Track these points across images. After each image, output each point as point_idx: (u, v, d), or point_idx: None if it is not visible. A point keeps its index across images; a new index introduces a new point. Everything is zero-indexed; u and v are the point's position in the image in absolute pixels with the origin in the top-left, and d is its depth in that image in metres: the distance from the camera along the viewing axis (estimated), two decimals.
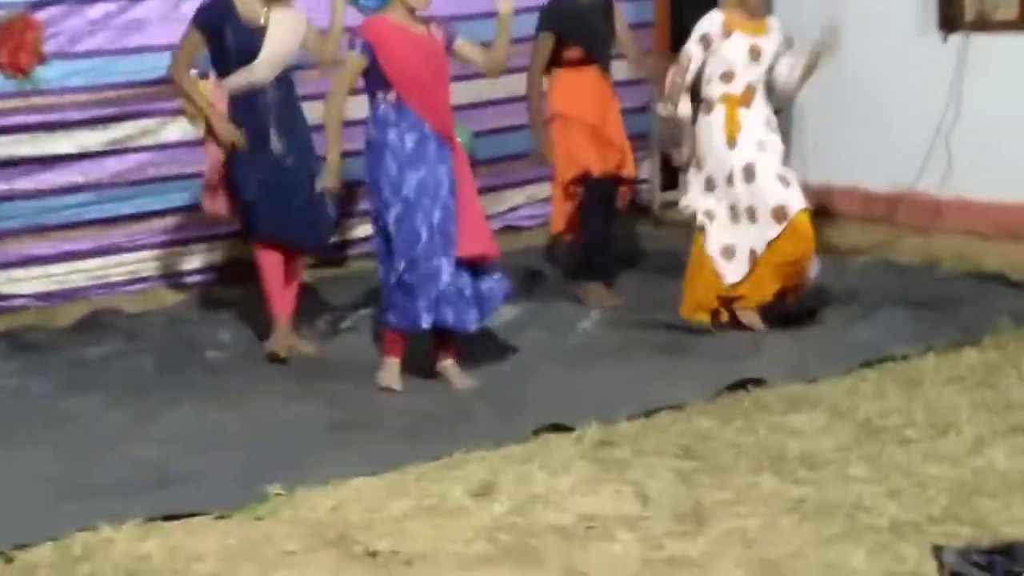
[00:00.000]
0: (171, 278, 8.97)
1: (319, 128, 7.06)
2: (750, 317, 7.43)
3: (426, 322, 6.68)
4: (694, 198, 7.48)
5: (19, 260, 8.61)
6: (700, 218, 7.42)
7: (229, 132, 7.33)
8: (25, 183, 8.58)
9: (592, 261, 8.26)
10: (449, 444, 5.96)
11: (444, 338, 6.89)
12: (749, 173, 7.30)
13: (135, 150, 8.84)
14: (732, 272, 7.37)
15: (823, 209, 9.61)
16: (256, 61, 7.34)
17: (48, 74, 8.55)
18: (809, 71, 7.55)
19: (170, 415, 6.53)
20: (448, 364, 6.90)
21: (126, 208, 8.83)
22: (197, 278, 8.98)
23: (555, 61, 8.11)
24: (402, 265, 6.65)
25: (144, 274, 8.93)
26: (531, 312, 7.98)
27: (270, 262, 7.48)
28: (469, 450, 5.90)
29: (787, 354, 6.99)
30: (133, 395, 6.86)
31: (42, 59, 8.53)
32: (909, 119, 9.48)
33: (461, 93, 9.39)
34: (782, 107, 9.54)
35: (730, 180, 7.34)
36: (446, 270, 6.66)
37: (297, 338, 7.59)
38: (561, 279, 8.54)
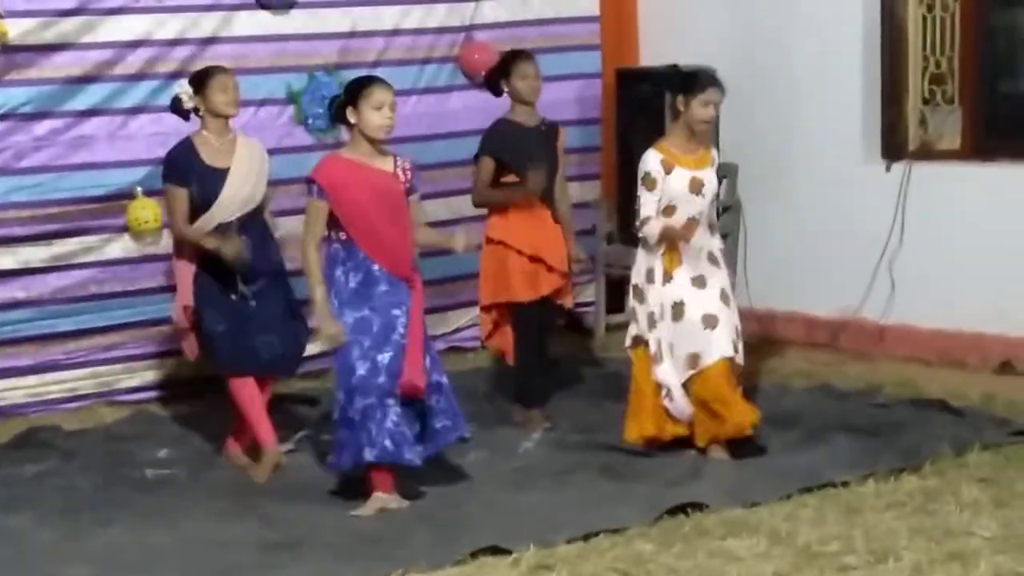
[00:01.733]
0: (110, 395, 8.89)
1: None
2: (717, 453, 7.40)
3: (369, 455, 6.61)
4: (644, 330, 7.46)
5: None
6: (652, 346, 7.39)
7: (235, 247, 7.32)
8: None
9: (526, 388, 8.24)
10: (383, 565, 5.88)
11: (383, 471, 6.78)
12: (678, 311, 7.32)
13: (78, 266, 8.81)
14: (677, 410, 7.37)
15: (766, 335, 9.66)
16: (215, 205, 7.36)
17: None
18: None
19: (103, 534, 6.46)
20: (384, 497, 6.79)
21: (66, 324, 8.78)
22: (137, 396, 8.91)
23: (495, 186, 8.06)
24: (342, 398, 6.63)
25: (83, 391, 8.85)
26: (474, 433, 7.90)
27: (247, 392, 7.43)
28: (404, 572, 5.82)
29: (727, 479, 6.97)
30: (66, 514, 6.78)
31: None
32: (853, 246, 9.55)
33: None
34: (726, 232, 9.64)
35: (661, 316, 7.36)
36: (394, 410, 6.61)
37: (251, 462, 7.52)
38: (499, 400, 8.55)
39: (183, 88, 7.54)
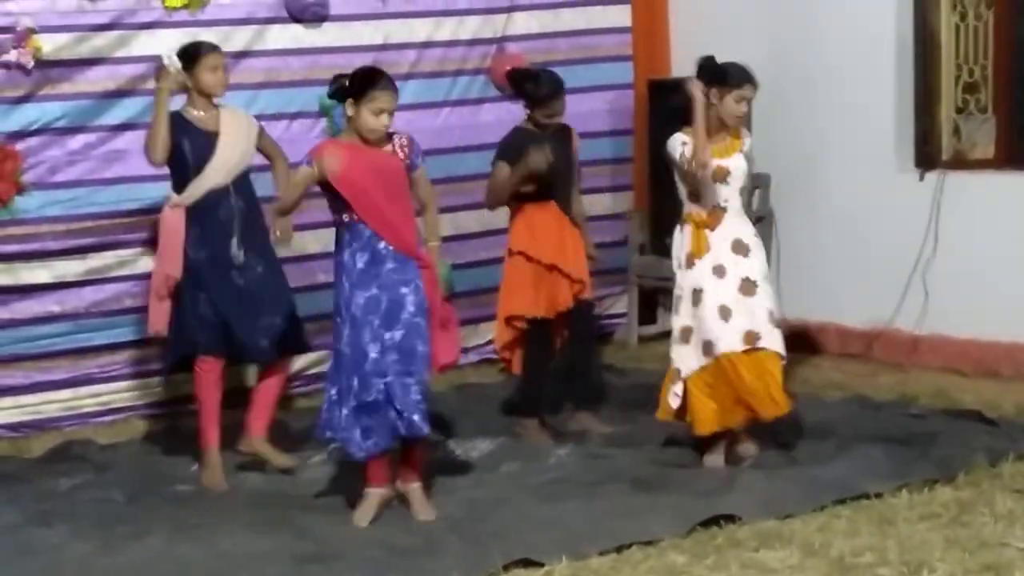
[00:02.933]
0: (144, 409, 8.93)
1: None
2: (745, 447, 7.42)
3: (385, 442, 6.64)
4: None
5: None
6: (674, 329, 7.44)
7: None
8: (1, 312, 8.58)
9: (528, 401, 8.25)
10: None
11: (407, 455, 6.80)
12: (697, 298, 7.32)
13: (112, 280, 8.85)
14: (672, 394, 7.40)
15: (799, 345, 9.63)
16: (209, 165, 7.45)
17: (27, 204, 8.61)
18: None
19: (137, 548, 6.47)
20: (413, 488, 6.82)
21: (101, 338, 8.82)
22: (171, 409, 8.93)
23: (514, 194, 8.08)
24: (356, 383, 6.60)
25: (117, 405, 8.88)
26: (506, 445, 7.97)
27: (210, 384, 7.49)
28: None
29: (761, 490, 6.94)
30: (101, 527, 6.79)
31: (21, 189, 8.58)
32: (886, 256, 9.52)
33: (443, 225, 9.46)
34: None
35: (684, 300, 7.37)
36: (412, 388, 6.61)
37: (273, 449, 7.56)
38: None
39: (171, 60, 7.52)
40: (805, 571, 5.90)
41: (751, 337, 7.28)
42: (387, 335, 6.61)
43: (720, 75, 7.38)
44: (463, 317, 9.87)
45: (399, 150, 6.76)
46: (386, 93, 6.64)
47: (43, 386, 8.70)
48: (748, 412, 7.37)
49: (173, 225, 7.52)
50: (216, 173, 7.51)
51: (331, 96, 6.75)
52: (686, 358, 7.37)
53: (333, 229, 6.82)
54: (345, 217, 6.68)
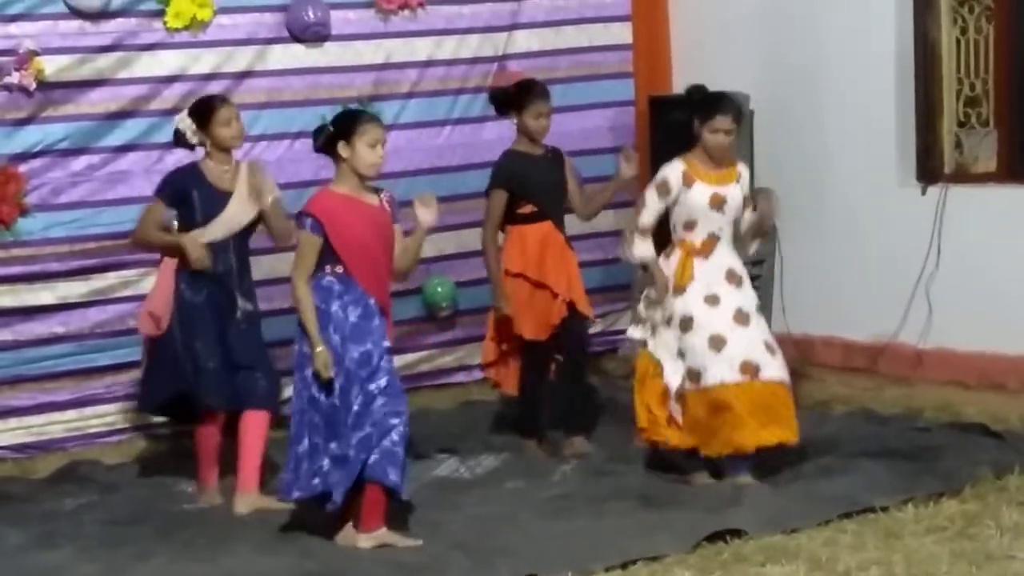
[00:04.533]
0: (150, 429, 8.92)
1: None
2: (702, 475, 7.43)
3: (347, 490, 6.52)
4: (637, 332, 7.49)
5: None
6: (660, 351, 7.38)
7: (198, 250, 7.36)
8: (4, 334, 8.60)
9: (528, 421, 8.27)
10: None
11: (376, 503, 6.63)
12: (686, 325, 7.30)
13: (116, 301, 8.86)
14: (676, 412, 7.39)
15: (804, 360, 9.63)
16: (213, 222, 7.42)
17: (30, 226, 8.64)
18: (756, 233, 7.55)
19: (143, 568, 6.48)
20: (384, 533, 6.66)
21: (105, 359, 8.84)
22: (175, 429, 8.90)
23: (509, 217, 8.12)
24: (333, 437, 6.54)
25: (122, 425, 8.89)
26: (511, 461, 7.97)
27: (210, 435, 7.53)
28: None
29: (766, 505, 6.93)
30: (106, 548, 6.79)
31: (24, 211, 8.59)
32: (890, 270, 9.52)
33: (446, 242, 9.51)
34: (762, 258, 9.64)
35: (668, 323, 7.34)
36: (396, 430, 6.53)
37: (270, 500, 7.51)
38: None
39: (184, 122, 7.54)
40: None
41: (749, 368, 7.23)
42: (372, 385, 6.56)
43: (696, 106, 7.40)
44: (467, 335, 9.92)
45: (386, 205, 6.74)
46: (375, 125, 6.63)
47: (48, 407, 8.71)
48: (729, 444, 7.27)
49: (165, 271, 7.53)
50: (219, 229, 7.44)
51: (319, 150, 6.66)
52: (674, 376, 7.34)
53: None
54: (338, 269, 6.61)
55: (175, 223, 7.50)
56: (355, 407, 6.53)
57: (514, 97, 8.17)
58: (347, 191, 6.66)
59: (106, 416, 8.86)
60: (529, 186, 8.07)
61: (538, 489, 7.47)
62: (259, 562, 6.48)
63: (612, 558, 6.23)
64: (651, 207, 7.39)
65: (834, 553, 6.24)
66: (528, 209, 8.10)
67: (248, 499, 7.42)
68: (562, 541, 6.52)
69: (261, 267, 8.01)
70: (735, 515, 6.76)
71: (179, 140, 7.59)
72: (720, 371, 7.22)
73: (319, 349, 6.49)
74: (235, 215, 7.46)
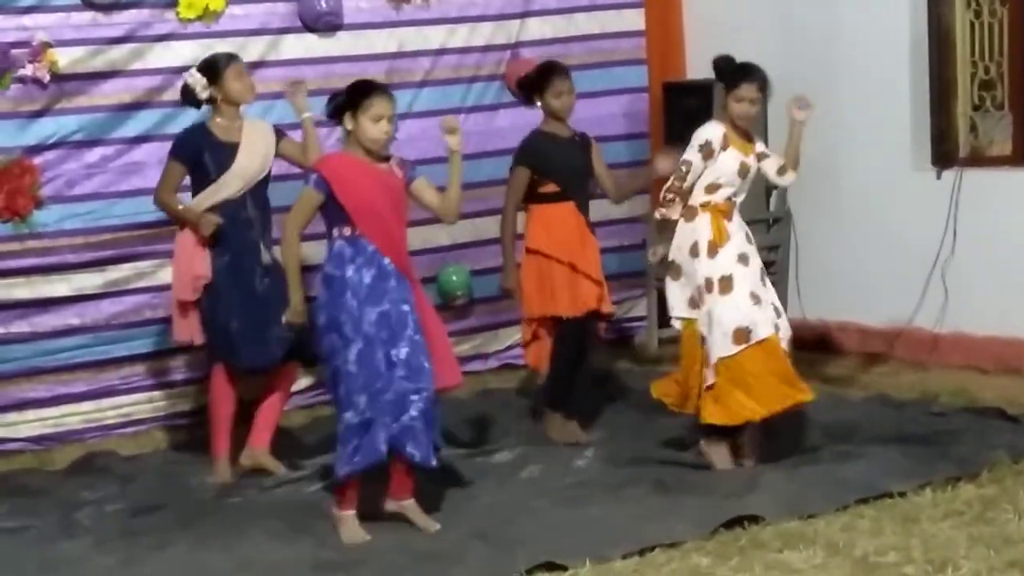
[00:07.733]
0: (166, 420, 8.94)
1: None
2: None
3: (368, 459, 6.49)
4: (681, 312, 7.45)
5: (14, 403, 8.61)
6: (702, 321, 7.33)
7: (208, 222, 7.46)
8: (21, 326, 8.61)
9: (556, 395, 8.24)
10: None
11: (402, 475, 6.72)
12: (725, 285, 7.29)
13: (131, 292, 8.87)
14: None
15: (820, 344, 9.63)
16: (226, 174, 7.52)
17: (45, 218, 8.64)
18: (795, 145, 7.59)
19: (160, 559, 6.48)
20: (409, 504, 6.75)
21: (121, 350, 8.85)
22: (191, 420, 8.94)
23: (531, 196, 8.13)
24: (363, 401, 6.50)
25: (139, 416, 8.91)
26: (528, 449, 7.96)
27: (227, 396, 7.58)
28: None
29: (783, 491, 6.91)
30: (124, 539, 6.80)
31: (39, 203, 8.61)
32: (905, 254, 9.51)
33: (461, 231, 9.50)
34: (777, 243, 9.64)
35: (708, 288, 7.31)
36: (416, 405, 6.53)
37: (275, 461, 7.57)
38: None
39: (194, 77, 7.63)
40: (829, 571, 5.89)
41: (775, 326, 7.31)
42: (393, 351, 6.56)
43: (721, 75, 7.41)
44: (482, 323, 9.93)
45: (396, 169, 6.75)
46: (382, 99, 6.61)
47: (65, 399, 8.73)
48: (786, 398, 7.29)
49: (183, 245, 7.61)
50: (233, 182, 7.56)
51: (330, 116, 6.69)
52: (714, 347, 7.29)
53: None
54: (347, 231, 6.62)
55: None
56: (382, 369, 6.50)
57: (535, 80, 8.19)
58: (356, 155, 6.68)
59: (123, 407, 8.87)
60: (551, 165, 8.06)
61: (555, 477, 7.47)
62: (276, 551, 6.47)
63: (629, 545, 6.22)
64: (696, 169, 7.34)
65: (852, 538, 6.23)
66: (550, 188, 8.09)
67: (253, 453, 7.50)
68: (579, 528, 6.51)
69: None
70: (752, 501, 6.75)
71: (187, 97, 7.66)
72: (767, 325, 7.24)
73: (295, 299, 6.73)
74: (247, 165, 7.57)
